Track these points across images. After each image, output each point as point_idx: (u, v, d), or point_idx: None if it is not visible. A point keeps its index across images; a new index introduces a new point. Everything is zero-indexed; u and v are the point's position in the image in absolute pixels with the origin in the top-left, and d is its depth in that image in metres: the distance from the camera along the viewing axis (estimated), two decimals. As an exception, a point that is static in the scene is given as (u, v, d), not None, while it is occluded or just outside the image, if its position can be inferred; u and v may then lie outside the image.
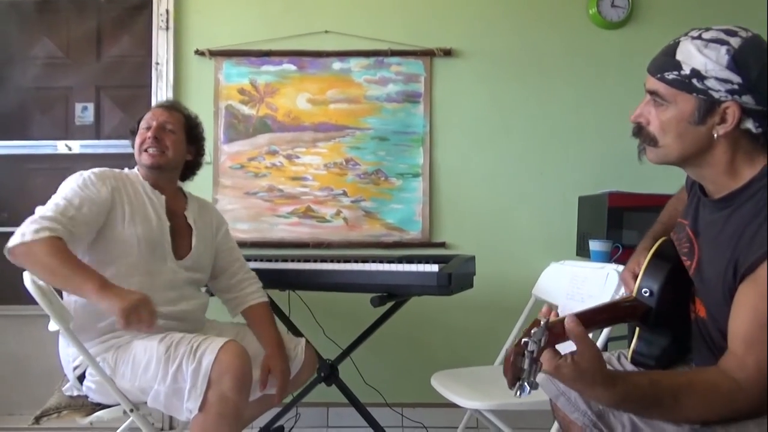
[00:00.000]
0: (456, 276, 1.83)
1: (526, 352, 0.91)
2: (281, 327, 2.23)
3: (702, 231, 1.14)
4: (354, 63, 2.60)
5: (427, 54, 2.59)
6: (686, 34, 1.06)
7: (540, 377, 1.33)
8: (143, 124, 1.84)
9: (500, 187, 2.60)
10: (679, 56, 1.04)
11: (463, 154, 2.60)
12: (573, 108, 2.60)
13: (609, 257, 2.10)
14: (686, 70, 1.02)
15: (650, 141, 1.10)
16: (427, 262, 1.87)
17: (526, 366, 0.90)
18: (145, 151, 1.79)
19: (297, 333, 2.27)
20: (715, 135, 1.03)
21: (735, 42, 1.00)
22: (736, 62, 0.99)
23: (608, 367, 1.25)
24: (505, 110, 2.61)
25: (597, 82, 2.60)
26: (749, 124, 1.01)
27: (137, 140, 1.82)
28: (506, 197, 2.60)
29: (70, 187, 1.64)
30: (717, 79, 1.00)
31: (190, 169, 1.95)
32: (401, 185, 2.59)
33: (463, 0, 2.61)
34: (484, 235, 2.58)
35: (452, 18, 2.61)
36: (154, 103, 2.60)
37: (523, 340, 0.92)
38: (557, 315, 1.02)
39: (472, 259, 2.08)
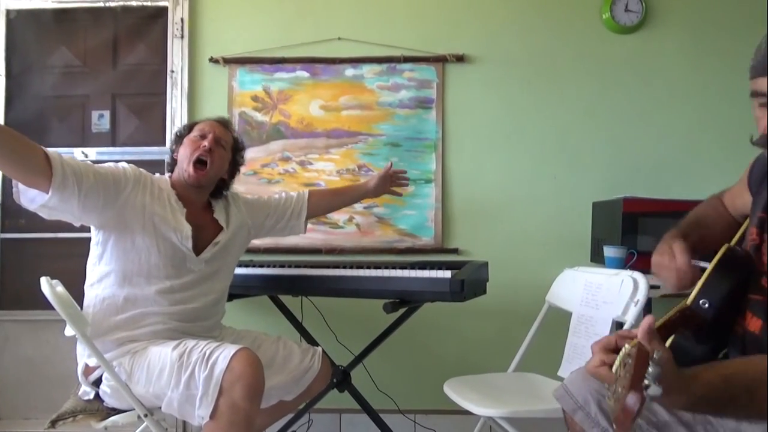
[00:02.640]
0: (469, 282, 1.83)
1: (647, 396, 0.80)
2: (294, 335, 2.25)
3: None
4: (366, 69, 2.61)
5: (440, 60, 2.59)
6: None
7: (555, 391, 1.31)
8: (196, 133, 1.82)
9: (513, 193, 2.59)
10: None
11: (476, 160, 2.60)
12: (587, 113, 2.58)
13: (624, 263, 2.08)
14: None
15: None
16: (440, 268, 1.86)
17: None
18: (195, 163, 1.76)
19: (310, 339, 2.27)
20: None
21: None
22: None
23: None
24: (518, 116, 2.60)
25: (611, 86, 2.58)
26: None
27: (188, 148, 1.79)
28: (519, 203, 2.59)
29: None
30: None
31: (219, 188, 1.92)
32: (414, 191, 2.58)
33: (475, 6, 2.61)
34: (497, 241, 2.57)
35: (464, 24, 2.61)
36: (168, 110, 2.63)
37: (645, 383, 0.80)
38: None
39: (485, 265, 2.07)
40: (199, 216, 1.80)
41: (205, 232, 1.79)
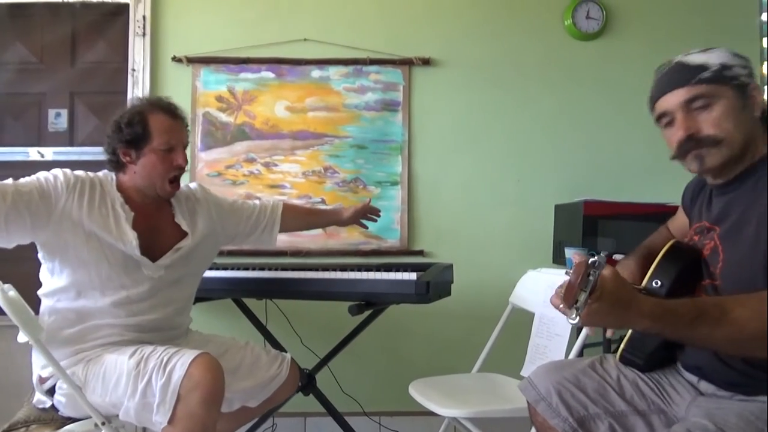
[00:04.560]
0: (434, 284, 1.84)
1: (590, 278, 0.89)
2: (258, 339, 2.22)
3: (720, 214, 1.19)
4: (333, 71, 2.60)
5: (406, 63, 2.60)
6: (674, 60, 1.17)
7: (520, 383, 1.34)
8: (162, 144, 1.62)
9: (478, 196, 2.62)
10: (697, 62, 1.13)
11: (441, 162, 2.62)
12: (549, 117, 2.63)
13: (584, 265, 2.12)
14: (715, 66, 1.12)
15: (710, 143, 1.13)
16: (405, 270, 1.87)
17: (582, 297, 0.89)
18: (171, 182, 1.66)
19: (275, 342, 2.25)
20: (757, 115, 1.13)
21: (717, 47, 1.15)
22: (736, 54, 1.14)
23: (592, 373, 1.29)
24: (483, 119, 2.63)
25: (572, 91, 2.64)
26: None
27: (158, 165, 1.62)
28: (484, 206, 2.62)
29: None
30: (738, 66, 1.12)
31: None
32: (380, 193, 2.59)
33: (441, 10, 2.63)
34: (461, 243, 2.60)
35: (431, 27, 2.63)
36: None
37: (588, 262, 0.90)
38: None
39: (450, 267, 2.09)
40: (152, 219, 1.68)
41: (162, 237, 1.68)
